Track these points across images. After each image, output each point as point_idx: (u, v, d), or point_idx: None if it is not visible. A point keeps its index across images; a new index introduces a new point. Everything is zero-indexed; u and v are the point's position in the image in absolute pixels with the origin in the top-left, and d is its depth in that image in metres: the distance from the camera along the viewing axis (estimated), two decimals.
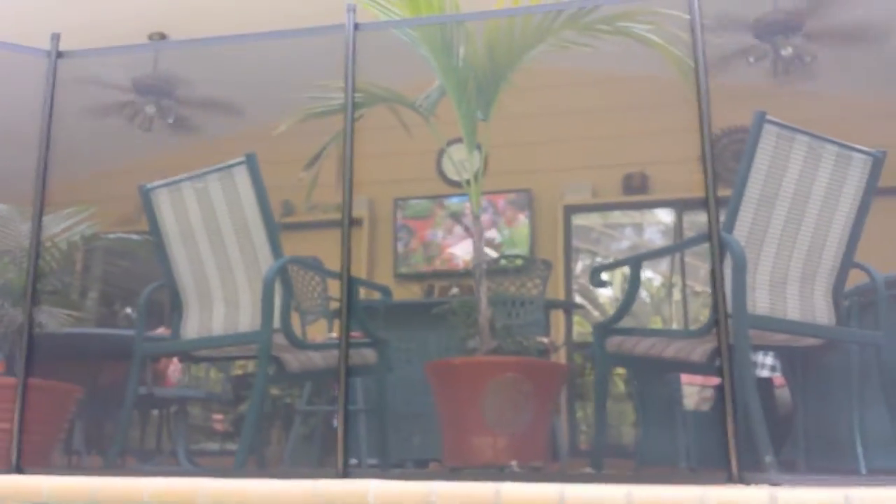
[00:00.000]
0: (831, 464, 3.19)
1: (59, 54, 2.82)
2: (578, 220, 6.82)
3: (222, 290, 3.02)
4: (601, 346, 2.93)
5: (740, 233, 2.56)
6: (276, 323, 2.85)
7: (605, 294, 6.99)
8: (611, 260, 7.17)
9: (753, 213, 2.57)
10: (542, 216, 6.75)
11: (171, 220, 3.03)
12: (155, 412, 5.32)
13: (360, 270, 6.74)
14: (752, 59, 4.79)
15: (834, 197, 2.65)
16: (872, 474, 2.90)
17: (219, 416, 6.45)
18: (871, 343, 2.72)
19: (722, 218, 2.50)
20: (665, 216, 6.77)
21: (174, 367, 6.10)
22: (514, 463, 2.48)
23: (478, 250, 2.97)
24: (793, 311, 2.66)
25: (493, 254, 6.39)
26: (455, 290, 6.67)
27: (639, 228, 7.05)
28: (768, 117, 2.51)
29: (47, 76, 2.79)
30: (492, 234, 6.84)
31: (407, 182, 6.83)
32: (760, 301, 2.61)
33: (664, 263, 6.49)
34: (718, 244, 2.31)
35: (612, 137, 6.47)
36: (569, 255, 6.64)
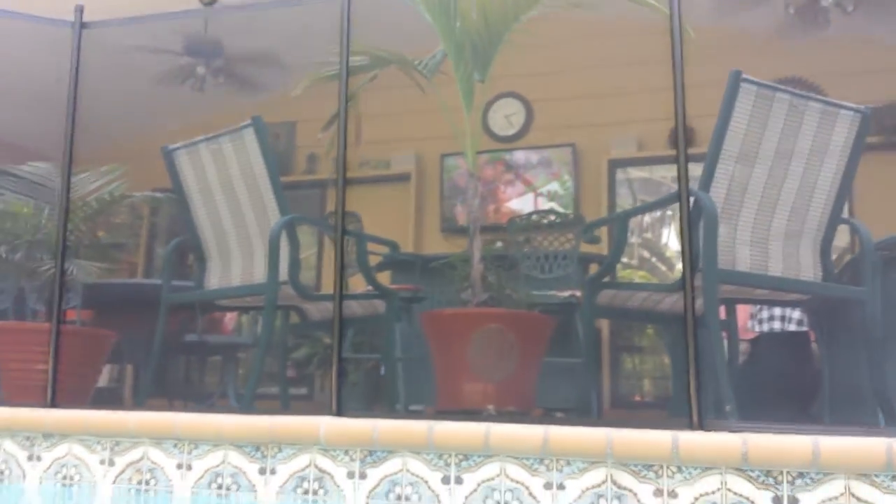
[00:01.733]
0: (855, 418, 3.20)
1: (84, 25, 3.06)
2: (624, 174, 6.81)
3: (238, 245, 3.24)
4: (591, 300, 3.03)
5: (718, 190, 2.60)
6: (284, 276, 3.06)
7: (672, 248, 7.00)
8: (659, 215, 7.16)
9: (732, 170, 2.60)
10: (587, 170, 6.76)
11: (192, 179, 3.26)
12: (217, 358, 5.68)
13: (407, 225, 6.92)
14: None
15: (819, 154, 2.65)
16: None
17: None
18: (857, 299, 2.73)
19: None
20: None
21: (230, 317, 6.47)
22: (490, 407, 2.62)
23: (472, 207, 3.08)
24: (775, 267, 2.70)
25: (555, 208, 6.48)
26: (499, 244, 6.79)
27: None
28: (744, 76, 2.52)
29: (73, 45, 3.03)
30: (552, 186, 6.90)
31: (454, 138, 6.94)
32: (741, 257, 2.66)
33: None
34: (688, 200, 2.38)
35: (659, 90, 6.39)
36: (613, 209, 6.64)
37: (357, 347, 4.69)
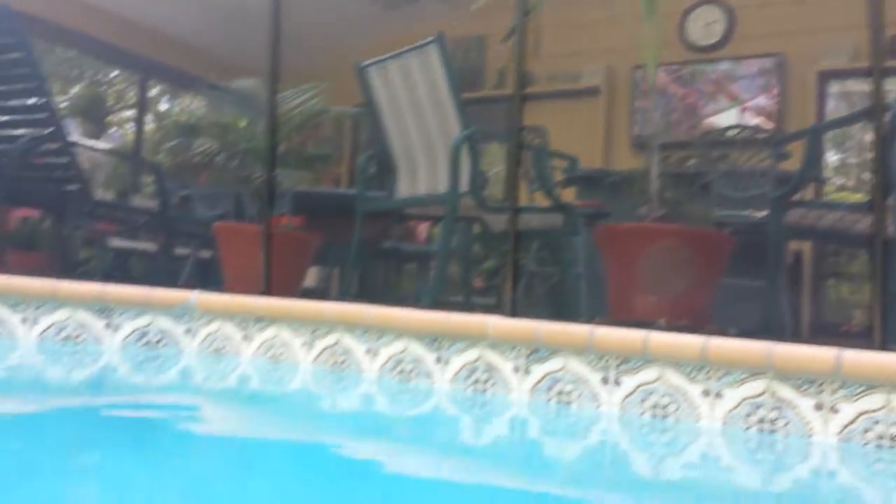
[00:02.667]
0: None
1: None
2: (841, 86, 6.30)
3: (424, 156, 3.44)
4: (778, 219, 2.94)
5: None
6: (466, 187, 3.22)
7: None
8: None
9: None
10: (795, 83, 6.32)
11: (381, 94, 3.48)
12: (411, 265, 6.07)
13: (596, 139, 6.86)
14: None
15: None
16: None
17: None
18: None
19: None
20: None
21: (423, 227, 6.82)
22: (661, 321, 2.67)
23: (652, 120, 3.06)
24: None
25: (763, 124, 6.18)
26: (692, 161, 6.58)
27: None
28: None
29: None
30: (758, 101, 6.56)
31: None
32: None
33: None
34: (882, 114, 2.26)
35: None
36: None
37: (541, 262, 4.82)
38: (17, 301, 2.58)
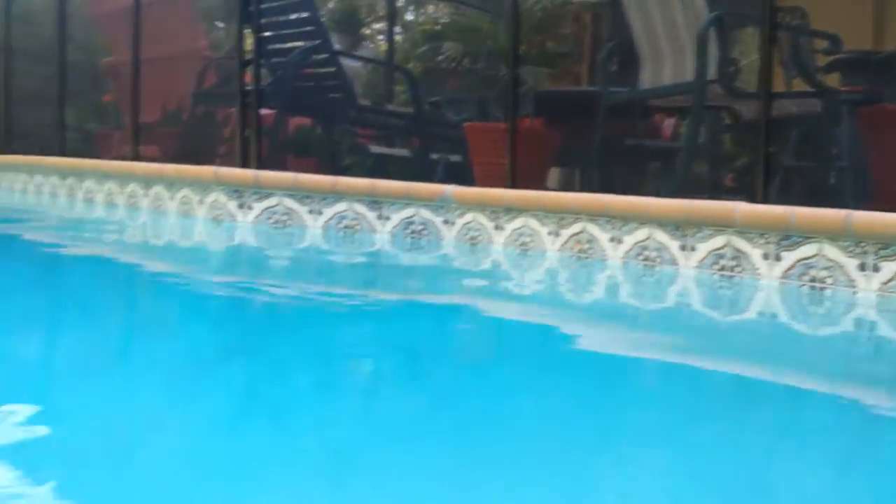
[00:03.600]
0: None
1: None
2: None
3: (669, 45, 3.37)
4: None
5: None
6: (714, 74, 3.13)
7: None
8: None
9: None
10: None
11: None
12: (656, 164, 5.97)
13: (864, 17, 6.17)
14: None
15: None
16: None
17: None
18: None
19: None
20: None
21: (668, 122, 6.63)
22: None
23: None
24: None
25: None
26: None
27: None
28: None
29: None
30: None
31: None
32: None
33: None
34: None
35: None
36: None
37: (798, 154, 4.54)
38: (304, 195, 2.97)
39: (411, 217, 2.90)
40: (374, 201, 2.95)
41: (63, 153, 4.86)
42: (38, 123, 5.62)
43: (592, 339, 1.79)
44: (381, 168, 4.76)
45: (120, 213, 3.83)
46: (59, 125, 5.14)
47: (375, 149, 5.39)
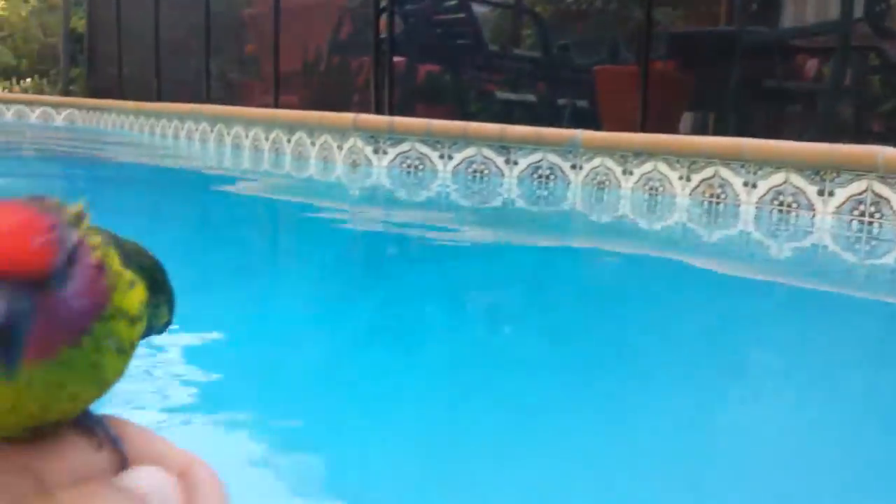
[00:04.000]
0: None
1: None
2: None
3: None
4: None
5: None
6: (861, 13, 2.97)
7: None
8: None
9: None
10: None
11: None
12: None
13: None
14: None
15: None
16: None
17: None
18: None
19: None
20: None
21: (811, 64, 6.28)
22: None
23: None
24: None
25: None
26: None
27: None
28: None
29: None
30: None
31: None
32: None
33: None
34: None
35: None
36: None
37: None
38: (435, 140, 3.07)
39: (538, 161, 2.96)
40: (503, 146, 3.02)
41: (209, 101, 5.17)
42: (185, 72, 5.96)
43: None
44: (507, 113, 4.79)
45: (265, 158, 4.06)
46: (204, 74, 5.45)
47: (503, 95, 5.42)
